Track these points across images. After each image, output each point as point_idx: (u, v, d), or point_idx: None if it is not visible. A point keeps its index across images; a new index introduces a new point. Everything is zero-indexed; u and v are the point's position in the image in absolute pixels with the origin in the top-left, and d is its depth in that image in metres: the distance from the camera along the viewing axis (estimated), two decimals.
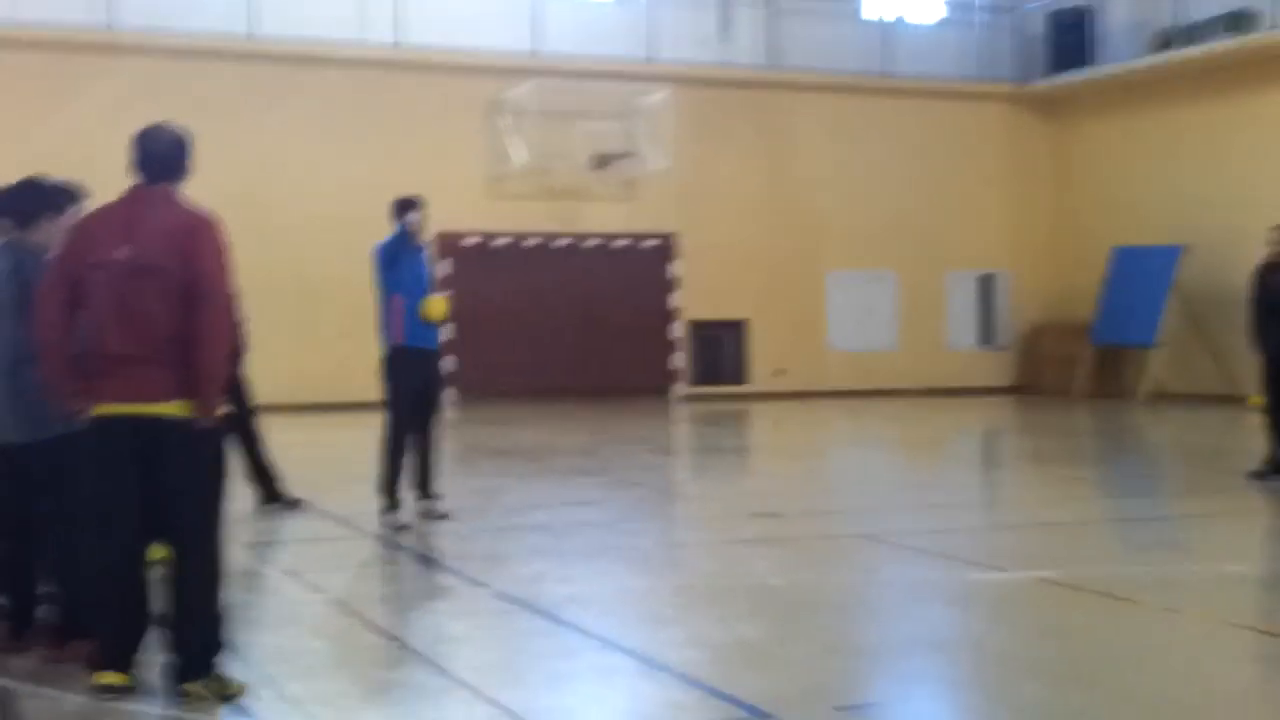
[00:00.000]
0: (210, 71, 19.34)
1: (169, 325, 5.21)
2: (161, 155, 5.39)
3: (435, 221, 20.10)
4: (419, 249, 9.73)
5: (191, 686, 5.27)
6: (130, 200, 5.40)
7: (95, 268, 5.25)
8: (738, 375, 22.62)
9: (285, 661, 5.82)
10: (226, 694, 5.29)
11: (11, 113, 18.30)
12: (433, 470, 9.82)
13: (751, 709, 5.21)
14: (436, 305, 9.70)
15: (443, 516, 9.68)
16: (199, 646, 5.34)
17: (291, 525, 9.68)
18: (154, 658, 5.43)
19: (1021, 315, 24.12)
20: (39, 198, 6.04)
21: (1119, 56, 22.48)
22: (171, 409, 5.22)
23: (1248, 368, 15.46)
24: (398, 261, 9.52)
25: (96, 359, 5.26)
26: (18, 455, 5.79)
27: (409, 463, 9.65)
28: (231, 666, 5.42)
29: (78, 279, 5.30)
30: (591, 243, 21.63)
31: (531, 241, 21.26)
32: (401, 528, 9.30)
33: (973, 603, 7.28)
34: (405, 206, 9.74)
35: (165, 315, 5.21)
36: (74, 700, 5.28)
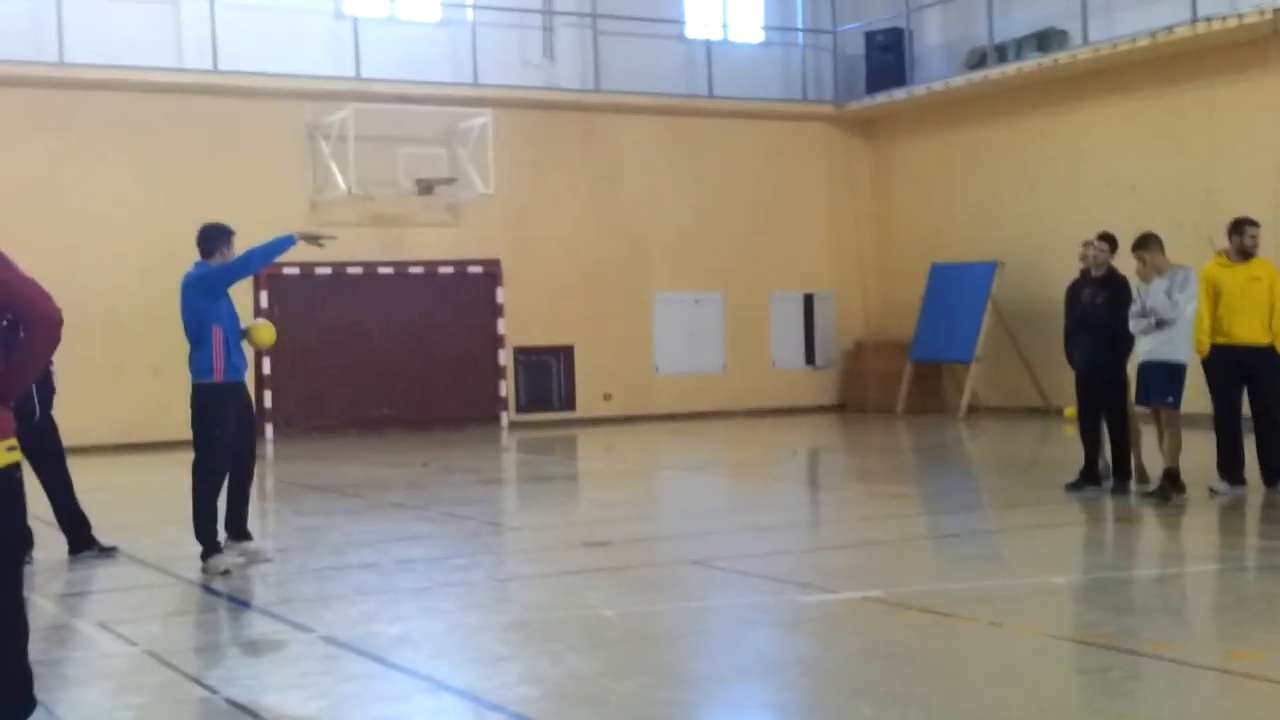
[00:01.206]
0: (10, 99, 18.63)
1: None
2: None
3: None
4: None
5: None
6: None
7: None
8: (566, 401, 22.54)
9: None
10: None
11: None
12: (247, 510, 9.55)
13: None
14: (267, 330, 9.46)
15: (268, 559, 9.41)
16: (3, 710, 5.06)
17: (104, 573, 9.30)
18: None
19: (845, 333, 24.48)
20: None
21: (934, 76, 23.01)
22: None
23: (1062, 381, 15.94)
24: (219, 293, 9.24)
25: None
26: None
27: (223, 504, 9.37)
28: None
29: None
30: (416, 270, 21.37)
31: (354, 270, 20.91)
32: (225, 572, 9.01)
33: (803, 625, 7.30)
34: (226, 234, 9.46)
35: None
36: None
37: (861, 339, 24.26)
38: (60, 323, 5.10)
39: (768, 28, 24.68)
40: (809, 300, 24.44)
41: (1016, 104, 21.75)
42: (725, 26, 24.27)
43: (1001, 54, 21.72)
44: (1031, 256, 21.07)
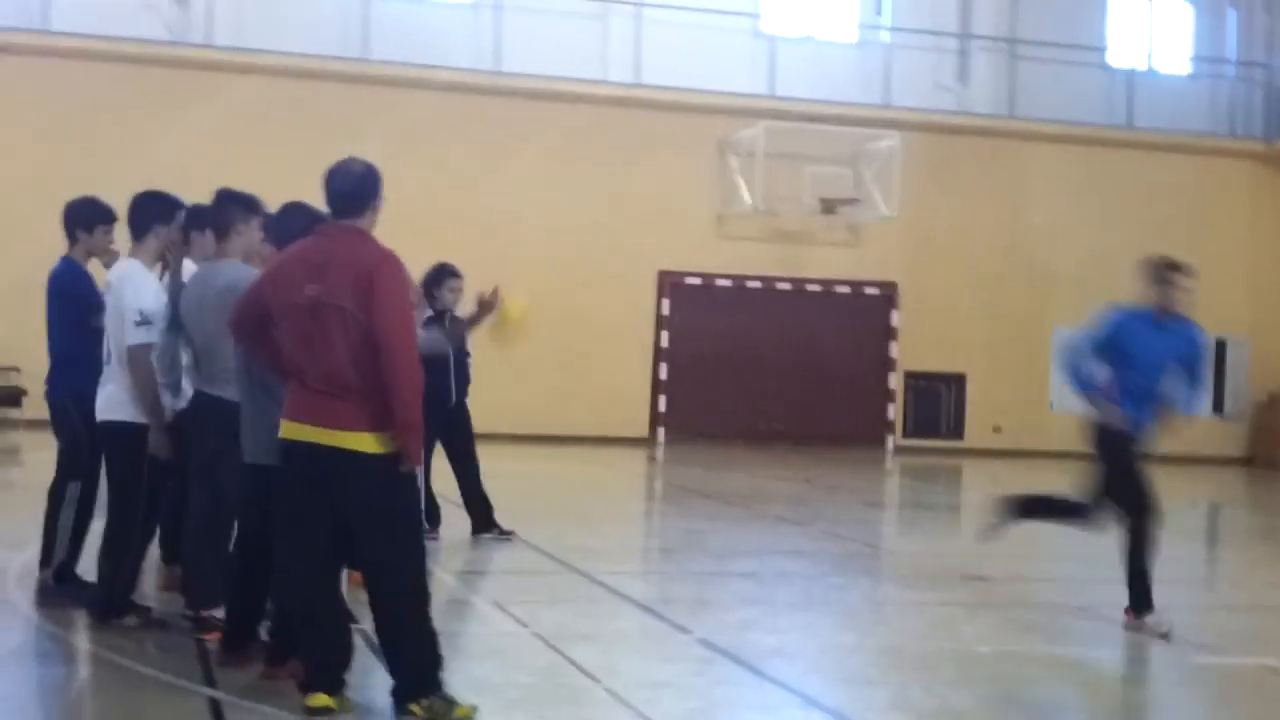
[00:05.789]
0: (450, 104, 19.91)
1: (352, 361, 5.34)
2: (349, 191, 5.54)
3: (659, 260, 20.62)
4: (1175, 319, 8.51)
5: (415, 707, 5.40)
6: (321, 237, 5.58)
7: (286, 305, 5.43)
8: (954, 429, 22.22)
9: (489, 694, 5.88)
10: (453, 715, 5.41)
11: (133, 128, 18.69)
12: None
13: None
14: (515, 305, 8.55)
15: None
16: (413, 667, 5.46)
17: (501, 556, 9.84)
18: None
19: (1258, 383, 23.13)
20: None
21: None
22: (353, 441, 5.33)
23: None
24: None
25: (290, 386, 5.49)
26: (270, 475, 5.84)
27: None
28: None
29: (268, 313, 5.50)
30: (813, 288, 21.54)
31: (753, 284, 21.27)
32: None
33: (1189, 687, 7.01)
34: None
35: (348, 352, 5.34)
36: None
37: (1277, 390, 22.83)
38: (404, 349, 5.33)
39: (1196, 58, 23.57)
40: (1221, 345, 23.20)
41: None
42: (1150, 56, 23.34)
43: None
44: None
